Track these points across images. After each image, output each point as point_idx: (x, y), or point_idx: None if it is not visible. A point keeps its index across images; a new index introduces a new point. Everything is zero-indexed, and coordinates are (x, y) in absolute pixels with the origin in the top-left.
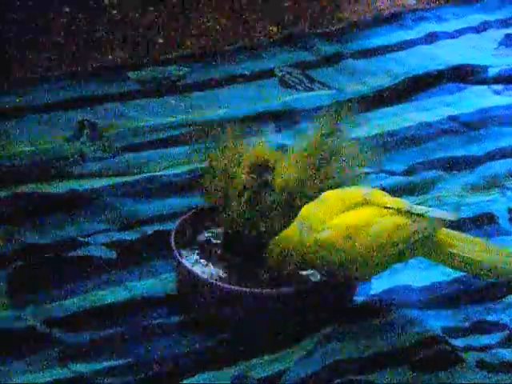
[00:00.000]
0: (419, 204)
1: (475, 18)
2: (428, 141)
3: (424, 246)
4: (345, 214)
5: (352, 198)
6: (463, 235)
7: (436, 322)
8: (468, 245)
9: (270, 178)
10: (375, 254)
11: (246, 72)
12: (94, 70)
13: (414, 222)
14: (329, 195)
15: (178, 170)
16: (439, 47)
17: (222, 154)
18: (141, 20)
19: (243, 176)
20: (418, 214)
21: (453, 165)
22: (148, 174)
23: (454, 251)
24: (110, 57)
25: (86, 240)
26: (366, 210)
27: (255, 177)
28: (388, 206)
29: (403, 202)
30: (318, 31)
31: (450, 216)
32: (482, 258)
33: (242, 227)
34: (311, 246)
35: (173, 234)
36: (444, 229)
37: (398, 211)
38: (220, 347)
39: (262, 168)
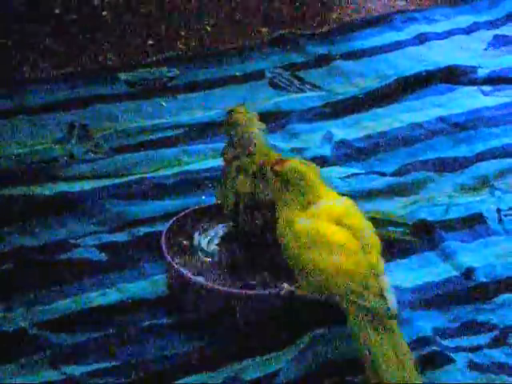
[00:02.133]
0: (414, 203)
1: (464, 20)
2: (418, 142)
3: (358, 314)
4: (323, 222)
5: (340, 210)
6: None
7: (426, 322)
8: (390, 348)
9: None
10: (315, 275)
11: (237, 73)
12: (84, 72)
13: (367, 297)
14: (328, 195)
15: (168, 172)
16: (429, 48)
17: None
18: (131, 22)
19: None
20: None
21: (443, 165)
22: (138, 176)
23: (370, 343)
24: (100, 59)
25: (77, 242)
26: (342, 232)
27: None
28: (362, 241)
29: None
30: (308, 33)
31: (394, 309)
32: (387, 366)
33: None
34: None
35: (163, 235)
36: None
37: (365, 252)
38: (212, 348)
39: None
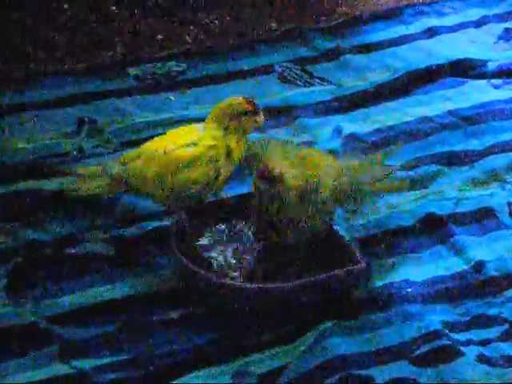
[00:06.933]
0: (424, 196)
1: (474, 13)
2: (428, 135)
3: None
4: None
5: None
6: None
7: (436, 316)
8: None
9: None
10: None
11: (246, 68)
12: (93, 67)
13: None
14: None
15: None
16: (439, 42)
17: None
18: (140, 16)
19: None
20: None
21: (453, 159)
22: None
23: None
24: (109, 53)
25: (85, 236)
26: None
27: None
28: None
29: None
30: (318, 26)
31: None
32: None
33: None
34: None
35: (172, 229)
36: None
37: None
38: (221, 342)
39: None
